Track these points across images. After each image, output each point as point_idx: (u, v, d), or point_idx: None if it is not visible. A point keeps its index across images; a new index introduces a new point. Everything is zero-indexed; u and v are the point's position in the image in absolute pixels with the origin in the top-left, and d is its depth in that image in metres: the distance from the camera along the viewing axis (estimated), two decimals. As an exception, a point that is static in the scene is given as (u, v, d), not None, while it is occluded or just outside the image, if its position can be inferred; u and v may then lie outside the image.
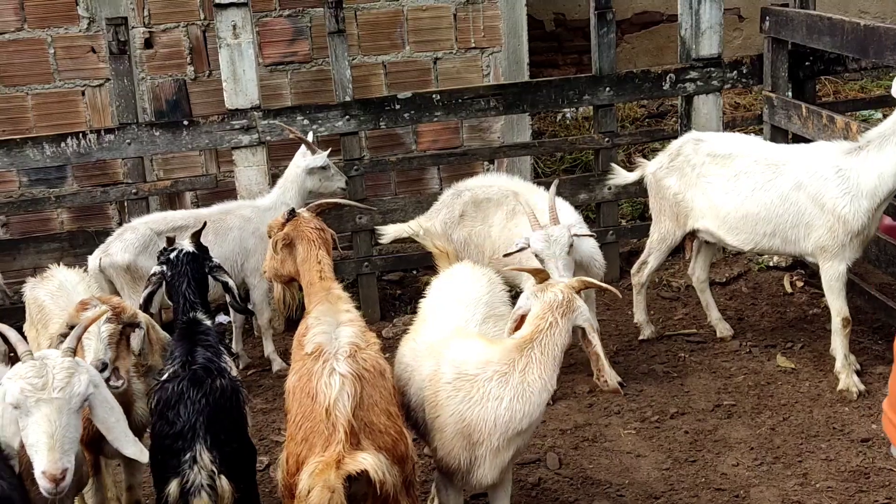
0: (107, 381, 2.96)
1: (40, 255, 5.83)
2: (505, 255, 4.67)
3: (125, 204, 6.14)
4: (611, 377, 3.18)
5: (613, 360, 5.45)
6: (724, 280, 6.38)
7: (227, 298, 4.08)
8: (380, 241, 5.72)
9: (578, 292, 3.13)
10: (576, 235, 4.67)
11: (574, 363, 5.52)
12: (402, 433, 2.86)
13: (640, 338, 5.75)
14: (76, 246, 5.89)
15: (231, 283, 3.98)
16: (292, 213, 3.80)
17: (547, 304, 3.03)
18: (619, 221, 6.73)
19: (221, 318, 6.42)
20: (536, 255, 4.54)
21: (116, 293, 5.10)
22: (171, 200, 6.59)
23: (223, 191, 6.22)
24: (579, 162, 7.82)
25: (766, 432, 4.57)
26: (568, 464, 4.48)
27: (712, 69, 6.40)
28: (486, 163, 6.99)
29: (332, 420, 2.66)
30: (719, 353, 5.47)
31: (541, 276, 3.14)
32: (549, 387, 3.04)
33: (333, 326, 3.02)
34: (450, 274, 3.82)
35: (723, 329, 5.63)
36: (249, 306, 5.89)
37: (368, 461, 2.61)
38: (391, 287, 6.68)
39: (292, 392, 2.90)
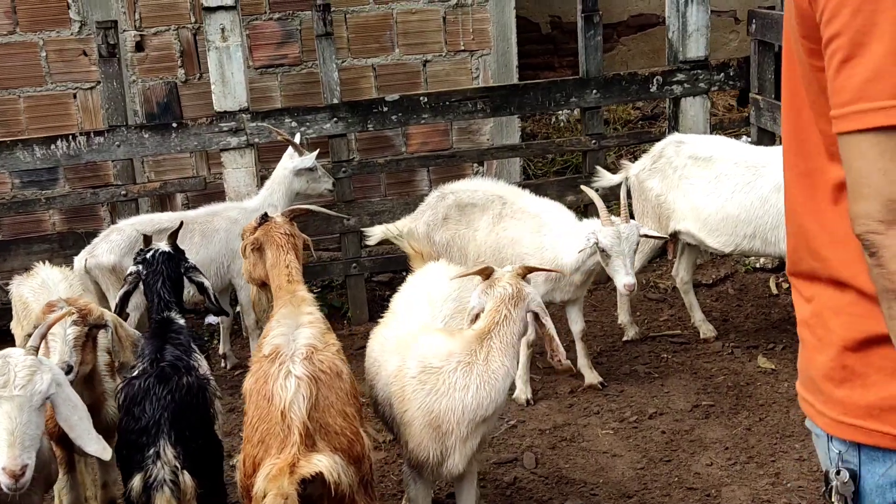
0: (72, 383, 3.00)
1: (30, 256, 5.87)
2: (579, 253, 4.71)
3: (116, 205, 6.21)
4: (563, 356, 3.27)
5: (597, 360, 5.50)
6: (711, 281, 6.42)
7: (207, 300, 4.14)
8: (366, 243, 5.76)
9: (524, 278, 3.21)
10: (644, 236, 4.78)
11: (557, 364, 5.56)
12: (359, 433, 2.90)
13: (625, 339, 5.78)
14: (66, 247, 5.96)
15: (206, 283, 4.04)
16: (264, 218, 3.86)
17: (499, 299, 3.13)
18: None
19: (211, 319, 6.49)
20: (603, 251, 4.60)
21: (103, 294, 5.17)
22: (162, 202, 6.65)
23: (213, 192, 6.27)
24: (570, 164, 7.85)
25: (742, 432, 4.60)
26: (544, 463, 4.52)
27: (699, 71, 6.43)
28: (475, 164, 7.04)
29: (287, 422, 2.70)
30: (701, 353, 5.50)
31: (485, 272, 3.22)
32: (511, 372, 3.14)
33: (293, 329, 3.06)
34: (423, 271, 3.88)
35: (706, 330, 5.66)
36: (238, 308, 5.96)
37: (323, 463, 2.65)
38: (380, 288, 6.73)
39: (249, 394, 2.95)
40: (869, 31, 1.37)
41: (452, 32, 6.88)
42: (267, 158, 6.34)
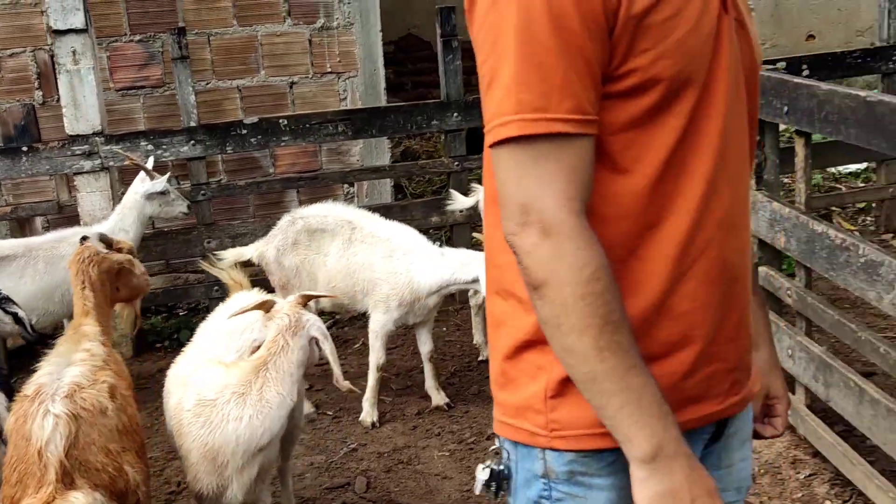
0: None
1: None
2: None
3: (-32, 230, 6.12)
4: (341, 378, 3.33)
5: (449, 381, 5.55)
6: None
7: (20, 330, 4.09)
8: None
9: (304, 306, 3.27)
10: None
11: (410, 385, 5.62)
12: (122, 470, 2.90)
13: (480, 358, 5.85)
14: (-88, 273, 5.83)
15: (21, 314, 4.00)
16: (83, 241, 3.83)
17: (277, 329, 3.19)
18: (472, 244, 6.83)
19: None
20: None
21: (-62, 322, 5.07)
22: (21, 226, 6.55)
23: (73, 215, 6.20)
24: (447, 183, 7.92)
25: (571, 453, 4.68)
26: (375, 487, 4.55)
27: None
28: (345, 185, 7.07)
29: (44, 461, 2.71)
30: (550, 373, 5.58)
31: (266, 306, 3.26)
32: (289, 400, 3.18)
33: (63, 366, 3.06)
34: (230, 301, 3.89)
35: (557, 349, 5.76)
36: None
37: (80, 500, 2.66)
38: (246, 310, 6.70)
39: (10, 435, 2.94)
40: (503, 58, 1.53)
41: (318, 55, 6.91)
42: (130, 180, 6.27)
